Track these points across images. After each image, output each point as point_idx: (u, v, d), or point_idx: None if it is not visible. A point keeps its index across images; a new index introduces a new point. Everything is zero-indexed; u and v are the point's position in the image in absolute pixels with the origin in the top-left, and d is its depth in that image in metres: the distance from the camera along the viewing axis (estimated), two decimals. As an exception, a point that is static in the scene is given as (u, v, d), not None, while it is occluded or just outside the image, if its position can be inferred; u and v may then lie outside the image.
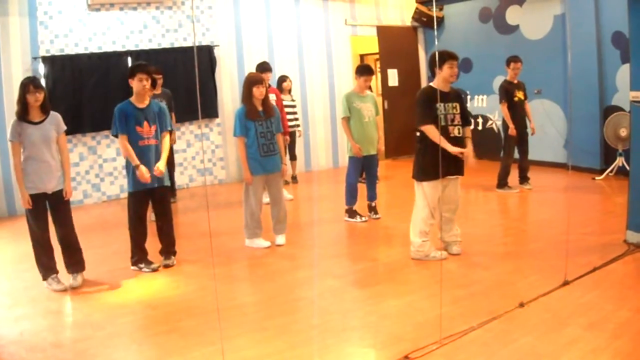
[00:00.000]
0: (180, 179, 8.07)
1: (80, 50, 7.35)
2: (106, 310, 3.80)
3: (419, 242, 4.48)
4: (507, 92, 6.77)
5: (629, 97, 4.72)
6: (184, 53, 7.98)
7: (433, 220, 4.46)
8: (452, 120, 4.37)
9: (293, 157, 8.11)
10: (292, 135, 7.78)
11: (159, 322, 3.62)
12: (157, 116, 4.53)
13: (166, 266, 4.63)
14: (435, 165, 4.01)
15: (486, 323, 3.29)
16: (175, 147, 7.22)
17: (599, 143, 7.65)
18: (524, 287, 3.82)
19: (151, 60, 7.00)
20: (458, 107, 4.41)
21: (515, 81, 6.87)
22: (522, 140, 6.90)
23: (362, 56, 11.34)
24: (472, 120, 9.46)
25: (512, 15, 8.83)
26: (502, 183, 6.98)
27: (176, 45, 8.01)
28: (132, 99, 4.46)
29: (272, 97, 6.03)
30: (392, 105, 9.87)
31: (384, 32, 9.88)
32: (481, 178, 7.49)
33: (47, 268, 4.23)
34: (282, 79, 7.91)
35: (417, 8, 9.87)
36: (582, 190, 6.82)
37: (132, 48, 7.69)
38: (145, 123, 4.44)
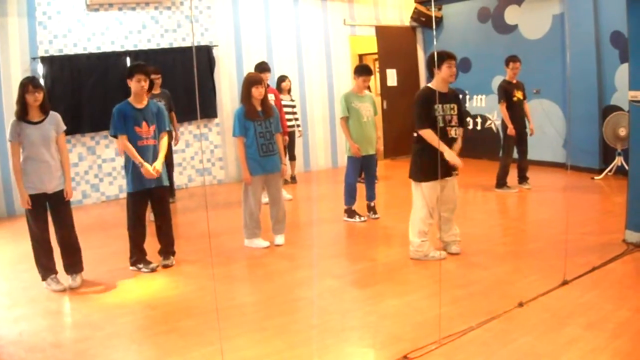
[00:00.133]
0: (179, 179, 8.06)
1: (79, 50, 7.34)
2: (105, 311, 3.79)
3: (418, 242, 4.48)
4: (506, 92, 6.77)
5: (628, 96, 4.72)
6: (182, 53, 7.97)
7: (432, 220, 4.46)
8: (450, 122, 4.38)
9: (292, 157, 8.11)
10: (291, 135, 7.77)
11: (158, 322, 3.62)
12: (156, 116, 4.53)
13: (165, 266, 4.63)
14: (433, 166, 4.01)
15: (485, 323, 3.29)
16: (174, 147, 7.22)
17: (597, 143, 7.65)
18: (523, 287, 3.82)
19: (150, 61, 7.01)
20: (456, 109, 4.42)
21: (514, 81, 6.87)
22: (521, 140, 6.89)
23: (360, 56, 11.33)
24: (469, 121, 9.49)
25: (511, 15, 8.83)
26: (501, 183, 6.98)
27: (175, 45, 8.01)
28: (131, 99, 4.46)
29: (271, 97, 6.02)
30: (390, 105, 9.87)
31: (382, 32, 9.88)
32: (480, 178, 7.50)
33: (46, 268, 4.23)
34: (281, 79, 7.91)
35: (415, 8, 9.87)
36: (581, 189, 6.82)
37: (131, 48, 7.68)
38: (144, 123, 4.44)
